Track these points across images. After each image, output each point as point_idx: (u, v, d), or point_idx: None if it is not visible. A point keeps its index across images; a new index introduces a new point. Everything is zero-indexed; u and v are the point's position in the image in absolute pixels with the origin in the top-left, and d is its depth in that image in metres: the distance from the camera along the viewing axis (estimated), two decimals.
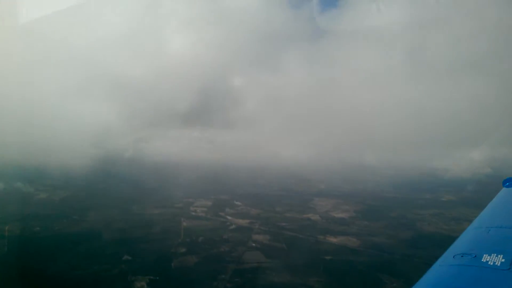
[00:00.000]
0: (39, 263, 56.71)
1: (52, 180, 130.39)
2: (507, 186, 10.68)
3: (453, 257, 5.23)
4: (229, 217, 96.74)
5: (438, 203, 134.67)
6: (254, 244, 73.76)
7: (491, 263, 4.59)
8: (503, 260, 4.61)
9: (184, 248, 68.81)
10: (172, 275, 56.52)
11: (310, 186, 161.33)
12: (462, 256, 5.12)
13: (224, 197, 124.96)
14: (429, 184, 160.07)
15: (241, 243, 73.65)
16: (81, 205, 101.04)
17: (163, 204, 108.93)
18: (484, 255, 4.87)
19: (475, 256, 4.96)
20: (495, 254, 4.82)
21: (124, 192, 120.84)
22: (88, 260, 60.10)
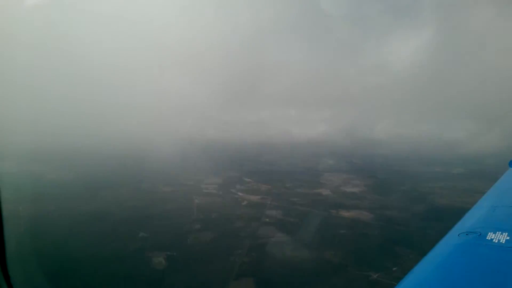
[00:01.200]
0: (56, 242, 56.89)
1: (61, 161, 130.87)
2: None
3: (458, 235, 5.24)
4: (240, 194, 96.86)
5: (449, 176, 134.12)
6: (267, 220, 73.76)
7: (496, 241, 4.61)
8: (508, 238, 4.66)
9: (199, 224, 69.00)
10: (189, 251, 56.68)
11: (319, 161, 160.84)
12: (467, 234, 5.13)
13: (233, 174, 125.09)
14: (439, 157, 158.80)
15: (254, 219, 73.71)
16: (92, 184, 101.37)
17: (174, 182, 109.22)
18: (489, 233, 4.89)
19: (480, 234, 4.97)
20: (500, 232, 4.86)
21: (134, 171, 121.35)
22: (104, 238, 60.37)
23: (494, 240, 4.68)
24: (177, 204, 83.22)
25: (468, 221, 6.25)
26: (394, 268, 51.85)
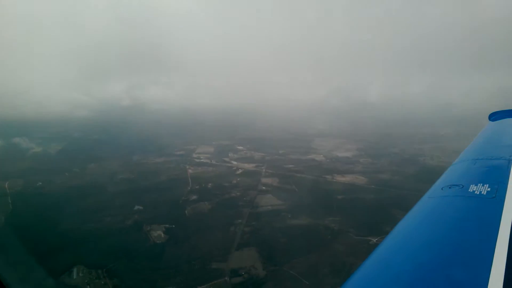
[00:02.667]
0: (48, 219, 55.04)
1: (45, 133, 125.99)
2: (493, 120, 11.07)
3: (442, 188, 5.30)
4: (234, 162, 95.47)
5: (437, 137, 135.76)
6: (264, 188, 73.04)
7: (478, 193, 4.72)
8: (489, 189, 4.79)
9: (195, 195, 67.73)
10: (187, 222, 55.67)
11: (309, 127, 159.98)
12: (450, 188, 5.21)
13: (225, 142, 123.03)
14: (429, 119, 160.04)
15: (251, 187, 72.88)
16: (80, 157, 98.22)
17: (165, 152, 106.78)
18: (471, 185, 5.01)
19: (463, 186, 5.07)
20: (481, 184, 4.98)
21: (122, 142, 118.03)
22: (99, 213, 58.64)
23: (476, 192, 4.75)
24: (171, 175, 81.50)
25: (450, 175, 6.28)
26: None
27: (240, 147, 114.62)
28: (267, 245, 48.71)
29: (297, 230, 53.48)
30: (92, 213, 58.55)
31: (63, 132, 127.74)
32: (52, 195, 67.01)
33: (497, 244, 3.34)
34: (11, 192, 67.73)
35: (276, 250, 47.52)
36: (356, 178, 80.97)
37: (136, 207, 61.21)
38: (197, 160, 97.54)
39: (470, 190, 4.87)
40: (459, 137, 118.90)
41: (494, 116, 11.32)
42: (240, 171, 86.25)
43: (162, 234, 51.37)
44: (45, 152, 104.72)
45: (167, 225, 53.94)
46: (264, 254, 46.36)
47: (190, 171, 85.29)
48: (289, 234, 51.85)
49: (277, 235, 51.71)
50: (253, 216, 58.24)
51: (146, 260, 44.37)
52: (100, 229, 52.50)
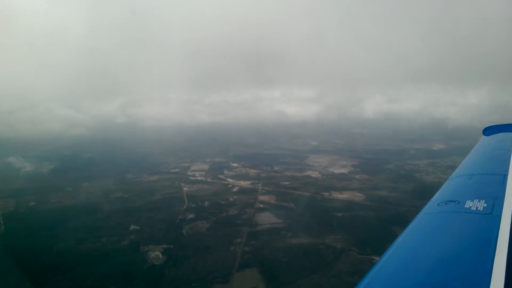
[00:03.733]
0: (42, 240, 53.32)
1: (38, 151, 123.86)
2: (487, 135, 11.15)
3: (438, 204, 5.32)
4: (229, 179, 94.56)
5: (431, 152, 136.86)
6: (262, 205, 72.14)
7: (474, 209, 4.74)
8: (485, 205, 4.81)
9: (192, 214, 66.51)
10: (185, 242, 54.34)
11: (302, 143, 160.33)
12: (446, 204, 5.23)
13: (219, 159, 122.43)
14: (423, 135, 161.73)
15: (248, 205, 71.90)
16: (73, 175, 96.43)
17: (159, 170, 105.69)
18: (467, 201, 5.02)
19: (459, 202, 5.09)
20: (477, 200, 4.99)
21: (115, 160, 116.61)
22: (94, 233, 57.11)
23: (472, 208, 4.78)
24: (166, 193, 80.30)
25: (446, 190, 6.32)
26: None
27: (235, 164, 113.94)
28: (269, 266, 47.65)
29: (298, 249, 52.52)
30: (87, 233, 56.98)
31: (56, 150, 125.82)
32: (46, 215, 65.25)
33: (495, 261, 3.33)
34: (3, 212, 65.83)
35: (278, 271, 46.44)
36: (354, 195, 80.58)
37: (132, 227, 59.78)
38: (192, 178, 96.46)
39: (467, 206, 4.91)
40: (454, 153, 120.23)
41: (488, 131, 11.39)
42: (236, 188, 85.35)
43: (160, 255, 49.98)
44: (38, 171, 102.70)
45: (165, 245, 52.59)
46: (266, 275, 45.27)
47: (185, 189, 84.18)
48: (291, 254, 50.85)
49: (278, 254, 50.71)
50: (253, 235, 57.18)
51: (145, 283, 43.03)
52: (96, 250, 51.03)
